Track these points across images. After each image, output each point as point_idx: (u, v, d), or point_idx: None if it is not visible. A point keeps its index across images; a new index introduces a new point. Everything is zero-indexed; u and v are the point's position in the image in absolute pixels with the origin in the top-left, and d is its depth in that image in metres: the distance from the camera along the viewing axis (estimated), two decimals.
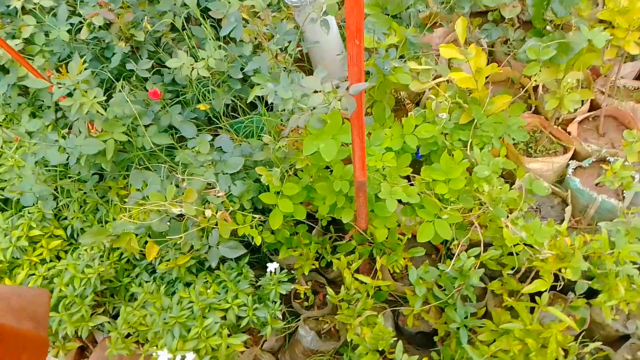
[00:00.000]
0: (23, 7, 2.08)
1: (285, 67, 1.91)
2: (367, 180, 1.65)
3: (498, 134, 1.92)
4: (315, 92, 1.48)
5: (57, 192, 2.15)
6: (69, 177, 2.14)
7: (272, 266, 1.76)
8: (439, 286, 1.78)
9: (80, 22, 2.12)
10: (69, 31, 2.07)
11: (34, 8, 2.12)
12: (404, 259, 1.83)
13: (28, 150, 2.00)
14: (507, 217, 1.63)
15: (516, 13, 2.33)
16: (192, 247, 1.81)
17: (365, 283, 1.81)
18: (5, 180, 2.13)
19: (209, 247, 1.78)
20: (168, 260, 1.89)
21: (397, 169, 1.75)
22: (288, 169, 1.96)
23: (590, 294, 1.66)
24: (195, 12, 2.09)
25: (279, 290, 1.76)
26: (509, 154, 2.28)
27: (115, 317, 2.07)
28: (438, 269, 1.78)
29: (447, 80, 2.08)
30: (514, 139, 1.96)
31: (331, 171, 1.90)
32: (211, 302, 1.72)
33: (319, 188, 1.83)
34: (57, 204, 2.15)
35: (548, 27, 2.18)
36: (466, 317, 1.70)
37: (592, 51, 2.00)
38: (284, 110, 1.84)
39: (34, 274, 2.01)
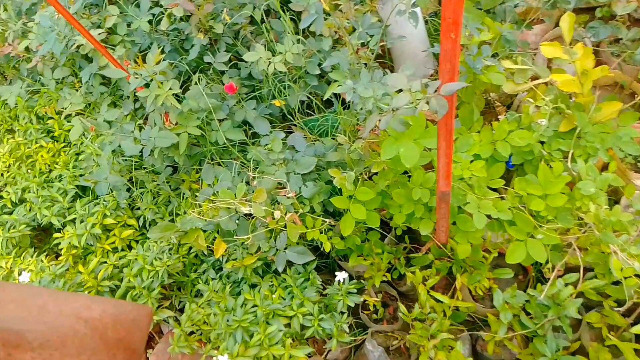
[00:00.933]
0: None
1: (366, 64, 1.79)
2: (451, 190, 1.49)
3: (606, 145, 1.68)
4: (399, 91, 1.34)
5: (132, 183, 2.16)
6: (144, 168, 2.15)
7: (340, 275, 1.65)
8: (527, 313, 1.59)
9: (161, 13, 2.11)
10: (150, 22, 2.07)
11: None
12: (488, 279, 1.65)
13: (106, 140, 2.02)
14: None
15: (631, 9, 2.05)
16: (259, 248, 1.74)
17: (442, 302, 1.65)
18: (82, 168, 2.17)
19: (277, 249, 1.70)
20: (235, 259, 1.83)
21: (487, 180, 1.57)
22: (362, 172, 1.84)
23: None
24: (275, 4, 2.01)
25: (347, 302, 1.65)
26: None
27: (182, 310, 2.05)
28: (527, 293, 1.59)
29: (546, 83, 1.87)
30: (622, 151, 1.72)
31: (409, 176, 1.75)
32: (276, 308, 1.64)
33: (396, 195, 1.69)
34: (131, 194, 2.16)
35: None
36: (557, 351, 1.50)
37: None
38: (361, 109, 1.72)
39: (105, 262, 2.04)
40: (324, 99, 1.98)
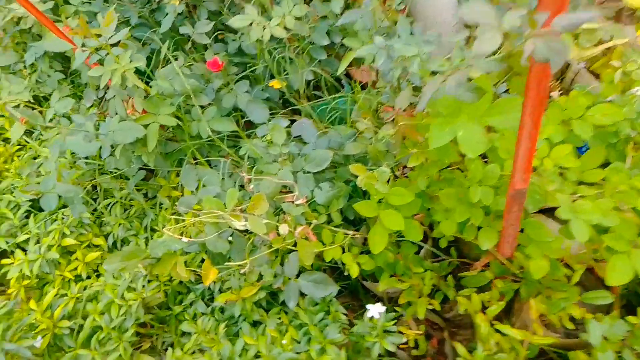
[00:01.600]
0: None
1: (396, 22, 1.35)
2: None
3: None
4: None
5: (97, 191, 1.72)
6: (111, 172, 1.71)
7: (374, 310, 1.21)
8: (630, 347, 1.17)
9: None
10: None
11: None
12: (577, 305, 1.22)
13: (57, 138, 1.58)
14: None
15: None
16: (261, 275, 1.30)
17: (513, 337, 1.22)
18: (27, 175, 1.73)
19: (285, 277, 1.26)
20: (230, 289, 1.39)
21: (578, 172, 1.14)
22: (394, 167, 1.41)
23: None
24: None
25: (384, 345, 1.21)
26: None
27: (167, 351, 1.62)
28: (626, 322, 1.17)
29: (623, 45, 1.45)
30: None
31: (458, 169, 1.33)
32: (288, 358, 1.20)
33: (444, 196, 1.25)
34: (97, 206, 1.72)
35: None
36: None
37: None
38: (387, 85, 1.29)
39: (65, 295, 1.60)
40: (338, 74, 1.54)
